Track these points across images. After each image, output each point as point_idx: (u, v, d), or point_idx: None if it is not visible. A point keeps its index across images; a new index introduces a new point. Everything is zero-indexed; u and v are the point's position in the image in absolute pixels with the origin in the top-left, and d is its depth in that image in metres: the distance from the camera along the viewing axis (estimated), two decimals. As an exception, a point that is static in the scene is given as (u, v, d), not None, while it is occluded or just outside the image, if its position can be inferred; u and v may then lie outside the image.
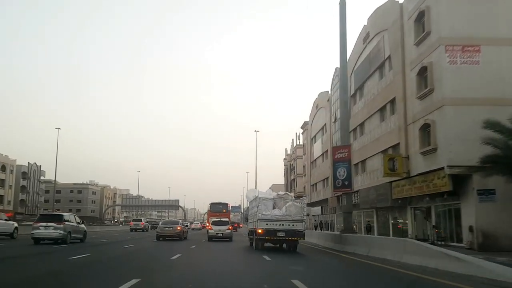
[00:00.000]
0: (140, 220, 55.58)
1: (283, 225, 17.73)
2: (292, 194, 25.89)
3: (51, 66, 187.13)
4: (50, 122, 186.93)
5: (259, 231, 17.71)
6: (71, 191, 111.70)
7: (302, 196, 29.75)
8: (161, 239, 26.34)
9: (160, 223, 33.51)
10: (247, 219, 23.71)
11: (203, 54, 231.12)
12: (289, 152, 76.06)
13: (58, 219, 20.55)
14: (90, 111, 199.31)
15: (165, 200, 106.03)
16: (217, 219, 29.19)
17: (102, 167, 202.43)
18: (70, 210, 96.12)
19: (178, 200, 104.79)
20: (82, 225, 23.25)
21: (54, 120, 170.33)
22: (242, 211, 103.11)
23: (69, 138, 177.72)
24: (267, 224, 17.74)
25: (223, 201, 45.65)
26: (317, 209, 50.56)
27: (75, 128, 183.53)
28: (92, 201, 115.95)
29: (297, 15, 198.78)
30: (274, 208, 18.69)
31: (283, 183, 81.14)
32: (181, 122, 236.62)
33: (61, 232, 19.98)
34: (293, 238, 17.74)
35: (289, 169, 73.37)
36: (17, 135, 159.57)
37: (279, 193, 20.77)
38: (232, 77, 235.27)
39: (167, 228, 27.50)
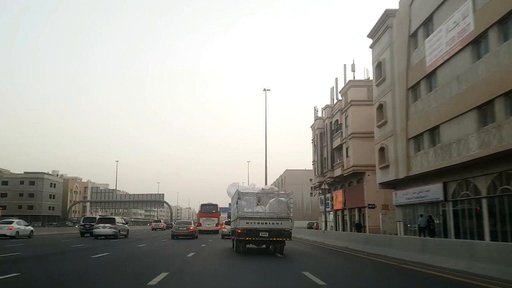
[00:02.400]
0: (159, 221, 68.09)
1: (266, 223, 15.37)
2: (279, 189, 22.92)
3: (50, 67, 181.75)
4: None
5: (239, 230, 15.33)
6: (21, 182, 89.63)
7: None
8: (175, 237, 29.25)
9: (174, 223, 37.57)
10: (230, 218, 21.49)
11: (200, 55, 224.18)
12: (328, 103, 45.18)
13: (112, 221, 29.91)
14: (87, 108, 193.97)
15: (146, 194, 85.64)
16: (229, 220, 32.82)
17: (95, 165, 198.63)
18: (19, 208, 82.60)
19: (162, 195, 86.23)
20: (126, 225, 33.20)
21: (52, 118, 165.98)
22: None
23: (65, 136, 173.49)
24: (247, 222, 15.39)
25: (213, 202, 47.81)
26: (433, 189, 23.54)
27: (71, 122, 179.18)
28: (51, 195, 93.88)
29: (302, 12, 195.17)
30: (258, 204, 16.37)
31: (313, 166, 52.99)
32: (177, 120, 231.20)
33: (114, 230, 28.58)
34: (278, 239, 15.39)
35: (328, 133, 43.68)
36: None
37: (263, 187, 18.33)
38: (225, 71, 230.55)
39: (181, 228, 30.56)
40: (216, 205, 46.06)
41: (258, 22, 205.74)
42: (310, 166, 57.24)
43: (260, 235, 15.23)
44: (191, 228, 30.76)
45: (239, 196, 15.81)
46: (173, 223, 58.78)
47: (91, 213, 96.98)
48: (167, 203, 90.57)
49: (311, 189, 64.12)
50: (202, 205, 46.86)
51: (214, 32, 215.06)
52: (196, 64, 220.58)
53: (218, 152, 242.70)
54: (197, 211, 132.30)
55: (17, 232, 28.30)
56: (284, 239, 15.36)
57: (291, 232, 15.50)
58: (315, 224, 50.79)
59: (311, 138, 52.76)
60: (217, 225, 43.26)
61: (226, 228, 31.14)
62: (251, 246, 17.13)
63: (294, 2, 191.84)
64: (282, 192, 18.16)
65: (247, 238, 15.40)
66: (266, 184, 66.18)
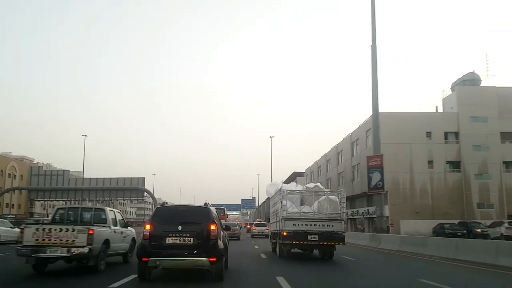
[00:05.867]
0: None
1: (315, 225, 13.62)
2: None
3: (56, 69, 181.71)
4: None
5: (284, 233, 13.58)
6: None
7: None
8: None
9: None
10: (269, 219, 19.82)
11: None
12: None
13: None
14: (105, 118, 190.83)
15: (117, 178, 55.32)
16: (258, 222, 41.31)
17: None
18: None
19: (142, 179, 54.98)
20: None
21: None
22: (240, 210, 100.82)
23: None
24: (294, 224, 13.69)
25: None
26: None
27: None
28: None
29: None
30: (302, 204, 14.62)
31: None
32: (179, 120, 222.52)
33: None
34: (329, 243, 13.56)
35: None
36: None
37: (307, 185, 16.55)
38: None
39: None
40: (223, 209, 46.87)
41: (267, 25, 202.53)
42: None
43: (309, 238, 13.50)
44: (237, 230, 31.65)
45: (283, 194, 14.10)
46: None
47: (30, 210, 73.13)
48: (148, 192, 57.29)
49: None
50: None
51: (224, 35, 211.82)
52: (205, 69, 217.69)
53: (222, 154, 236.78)
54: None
55: None
56: (336, 243, 13.54)
57: (344, 235, 13.68)
58: None
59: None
60: (267, 228, 47.47)
61: (256, 229, 36.87)
62: (296, 250, 15.41)
63: (293, 7, 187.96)
64: (325, 189, 16.28)
65: (293, 242, 13.66)
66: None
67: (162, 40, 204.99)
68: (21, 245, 9.04)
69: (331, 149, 56.07)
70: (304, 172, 72.87)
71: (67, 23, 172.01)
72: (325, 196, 14.11)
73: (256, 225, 39.04)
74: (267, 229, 32.67)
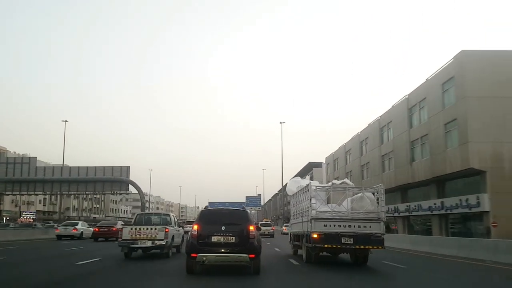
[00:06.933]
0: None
1: (350, 226, 11.89)
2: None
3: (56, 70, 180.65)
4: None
5: (314, 235, 11.85)
6: None
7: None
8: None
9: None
10: (288, 219, 18.13)
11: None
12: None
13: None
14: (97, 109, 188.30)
15: (96, 167, 44.57)
16: (264, 222, 41.81)
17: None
18: None
19: (127, 168, 44.63)
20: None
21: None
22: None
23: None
24: (325, 225, 11.96)
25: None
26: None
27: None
28: None
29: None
30: (328, 202, 12.95)
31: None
32: (179, 119, 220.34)
33: None
34: (366, 247, 11.83)
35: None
36: None
37: (333, 181, 14.85)
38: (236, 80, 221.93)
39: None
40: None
41: (267, 25, 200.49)
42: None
43: (343, 241, 11.77)
44: (273, 228, 35.92)
45: (312, 191, 12.37)
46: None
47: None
48: (133, 184, 46.16)
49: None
50: None
51: (223, 35, 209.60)
52: (205, 66, 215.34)
53: (222, 153, 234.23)
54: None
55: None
56: (374, 247, 11.80)
57: (383, 238, 11.93)
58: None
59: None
60: (273, 228, 47.98)
61: (262, 229, 40.86)
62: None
63: (292, 3, 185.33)
64: (353, 186, 14.55)
65: (325, 246, 11.91)
66: (282, 183, 60.92)
67: (162, 39, 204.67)
68: (121, 239, 13.57)
69: (352, 137, 47.65)
70: (321, 163, 64.93)
71: (67, 23, 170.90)
72: (361, 193, 12.38)
73: (262, 225, 41.40)
74: (272, 229, 38.11)
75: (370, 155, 41.20)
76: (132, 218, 18.01)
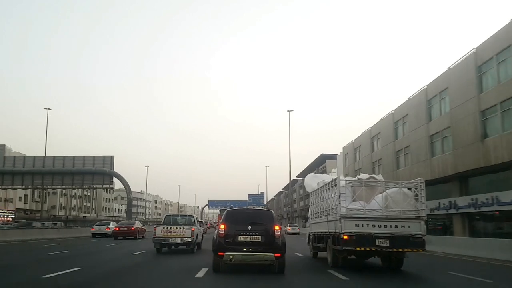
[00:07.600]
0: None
1: (385, 226, 10.38)
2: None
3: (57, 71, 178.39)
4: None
5: (344, 237, 10.35)
6: None
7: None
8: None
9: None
10: (306, 218, 16.68)
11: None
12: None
13: None
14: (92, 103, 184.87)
15: (74, 157, 40.49)
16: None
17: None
18: None
19: (110, 158, 40.05)
20: None
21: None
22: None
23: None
24: (357, 225, 10.46)
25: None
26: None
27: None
28: None
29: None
30: (354, 200, 11.44)
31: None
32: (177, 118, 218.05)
33: None
34: (405, 250, 10.35)
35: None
36: None
37: (358, 176, 13.35)
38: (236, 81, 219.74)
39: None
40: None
41: (267, 24, 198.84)
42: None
43: (377, 243, 10.27)
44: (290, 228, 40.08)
45: (340, 186, 10.86)
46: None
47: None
48: (118, 177, 41.12)
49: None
50: (221, 210, 56.17)
51: (226, 35, 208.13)
52: (207, 66, 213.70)
53: (223, 152, 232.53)
54: (206, 211, 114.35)
55: None
56: (414, 250, 10.31)
57: (424, 239, 10.42)
58: None
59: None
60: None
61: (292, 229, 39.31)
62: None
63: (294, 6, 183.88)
64: (387, 181, 13.00)
65: (357, 248, 10.40)
66: (290, 178, 58.53)
67: (163, 38, 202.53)
68: (155, 236, 16.06)
69: (381, 119, 37.09)
70: (335, 154, 57.65)
71: (67, 22, 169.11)
72: (397, 188, 10.88)
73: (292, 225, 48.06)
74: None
75: (412, 136, 29.92)
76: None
